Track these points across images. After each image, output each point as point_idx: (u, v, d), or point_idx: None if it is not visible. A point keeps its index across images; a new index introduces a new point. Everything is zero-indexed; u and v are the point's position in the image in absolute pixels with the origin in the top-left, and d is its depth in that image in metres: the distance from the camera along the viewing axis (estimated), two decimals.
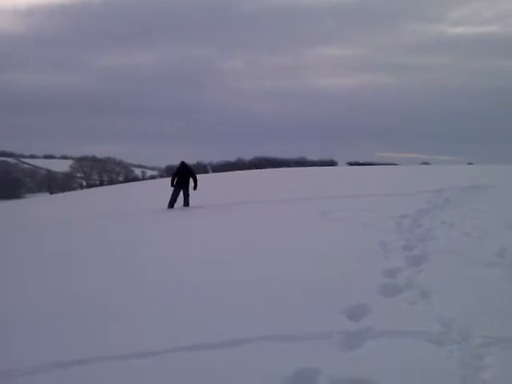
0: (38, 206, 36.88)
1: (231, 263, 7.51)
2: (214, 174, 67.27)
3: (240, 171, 53.20)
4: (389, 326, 4.49)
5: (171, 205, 15.91)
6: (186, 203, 16.08)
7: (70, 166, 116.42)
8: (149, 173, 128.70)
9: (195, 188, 16.02)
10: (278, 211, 14.02)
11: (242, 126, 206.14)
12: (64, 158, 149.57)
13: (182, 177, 15.94)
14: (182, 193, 16.01)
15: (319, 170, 42.46)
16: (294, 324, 4.69)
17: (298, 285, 5.98)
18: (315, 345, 4.22)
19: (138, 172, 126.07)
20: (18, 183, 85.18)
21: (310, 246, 8.37)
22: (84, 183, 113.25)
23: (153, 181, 67.81)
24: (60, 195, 66.70)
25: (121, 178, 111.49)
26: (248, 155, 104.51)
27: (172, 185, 16.06)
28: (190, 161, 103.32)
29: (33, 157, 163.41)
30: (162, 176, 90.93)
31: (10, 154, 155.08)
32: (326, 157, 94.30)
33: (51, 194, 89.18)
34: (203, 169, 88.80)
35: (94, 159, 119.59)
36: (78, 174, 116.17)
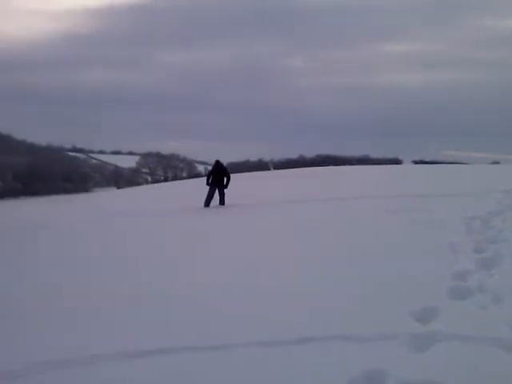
0: (105, 199, 38.48)
1: (305, 260, 7.60)
2: (276, 171, 67.48)
3: (301, 168, 52.95)
4: (458, 330, 4.34)
5: (207, 203, 16.19)
6: (222, 202, 16.29)
7: (136, 162, 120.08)
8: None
9: (226, 187, 16.23)
10: (339, 209, 13.94)
11: (303, 123, 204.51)
12: (130, 153, 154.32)
13: (218, 176, 16.09)
14: (217, 191, 16.29)
15: (383, 169, 41.70)
16: (362, 324, 4.67)
17: (367, 285, 5.96)
18: (383, 346, 4.17)
19: (201, 168, 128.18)
20: (87, 178, 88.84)
21: (376, 246, 8.28)
22: (149, 179, 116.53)
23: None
24: (126, 190, 69.00)
25: (184, 174, 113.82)
26: (310, 153, 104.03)
27: (207, 183, 16.31)
28: (252, 158, 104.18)
29: (101, 152, 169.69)
30: None
31: (80, 150, 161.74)
32: (390, 155, 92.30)
33: (118, 188, 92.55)
34: (265, 166, 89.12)
35: (158, 155, 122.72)
36: (144, 170, 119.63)
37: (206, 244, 10.10)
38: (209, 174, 16.55)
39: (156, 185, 79.96)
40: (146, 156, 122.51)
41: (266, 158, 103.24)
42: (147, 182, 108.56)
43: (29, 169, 74.82)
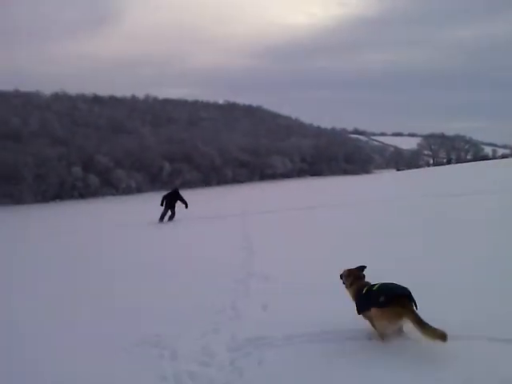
0: (384, 180, 38.80)
1: None
2: None
3: None
4: None
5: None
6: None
7: (418, 144, 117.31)
8: (500, 151, 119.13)
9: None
10: None
11: None
12: (411, 135, 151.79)
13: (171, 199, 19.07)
14: None
15: None
16: None
17: None
18: None
19: (488, 150, 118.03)
20: (368, 159, 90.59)
21: None
22: (431, 161, 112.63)
23: (504, 160, 62.39)
24: (405, 172, 68.03)
25: (469, 157, 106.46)
26: None
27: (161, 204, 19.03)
28: None
29: (382, 134, 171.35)
30: None
31: (362, 132, 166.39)
32: None
33: (398, 170, 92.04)
34: None
35: (442, 136, 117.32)
36: (425, 152, 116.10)
37: None
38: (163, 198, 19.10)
39: (437, 167, 76.75)
40: (428, 137, 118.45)
41: None
42: (428, 165, 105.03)
43: (314, 151, 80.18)
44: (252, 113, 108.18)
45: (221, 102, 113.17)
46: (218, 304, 6.81)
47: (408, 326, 4.59)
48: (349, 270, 5.57)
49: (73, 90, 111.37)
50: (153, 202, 22.21)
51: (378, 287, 4.84)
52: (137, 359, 5.12)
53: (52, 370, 5.07)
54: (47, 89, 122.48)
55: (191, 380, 4.58)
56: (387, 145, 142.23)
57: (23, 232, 21.79)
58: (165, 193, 19.94)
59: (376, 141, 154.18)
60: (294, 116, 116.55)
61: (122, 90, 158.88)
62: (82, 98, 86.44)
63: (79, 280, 9.60)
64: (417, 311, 4.47)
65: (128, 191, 55.59)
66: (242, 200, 31.42)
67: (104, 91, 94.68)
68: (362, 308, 5.05)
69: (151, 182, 58.99)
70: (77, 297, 8.17)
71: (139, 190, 56.77)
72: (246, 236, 13.53)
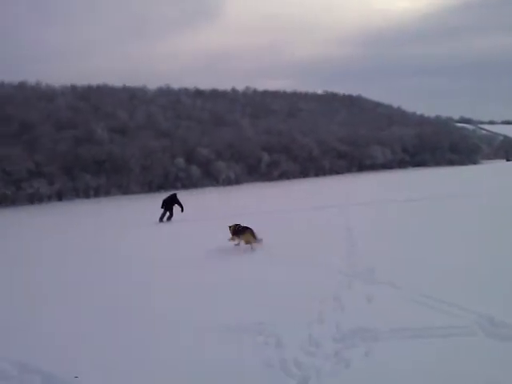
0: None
1: None
2: None
3: None
4: None
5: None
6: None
7: None
8: None
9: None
10: None
11: None
12: None
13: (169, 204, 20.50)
14: None
15: None
16: None
17: None
18: None
19: None
20: (475, 149, 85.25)
21: None
22: None
23: None
24: None
25: None
26: None
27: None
28: None
29: (491, 123, 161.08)
30: None
31: (468, 121, 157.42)
32: None
33: (508, 160, 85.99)
34: None
35: None
36: None
37: None
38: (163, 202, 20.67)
39: None
40: None
41: None
42: None
43: (417, 140, 77.02)
44: (351, 102, 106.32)
45: (320, 92, 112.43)
46: (321, 294, 6.79)
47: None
48: (235, 226, 11.45)
49: (176, 84, 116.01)
50: (254, 192, 22.53)
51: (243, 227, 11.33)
52: (242, 346, 5.23)
53: (184, 356, 5.25)
54: (152, 84, 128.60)
55: (297, 368, 4.60)
56: (496, 133, 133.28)
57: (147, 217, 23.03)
58: (165, 197, 21.36)
59: (484, 129, 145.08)
60: (395, 105, 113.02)
61: (223, 83, 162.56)
62: (185, 91, 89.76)
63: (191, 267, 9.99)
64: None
65: (227, 182, 56.97)
66: (342, 191, 31.04)
67: (206, 85, 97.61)
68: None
69: (249, 173, 60.00)
70: (196, 285, 8.49)
71: (238, 181, 57.97)
72: (348, 228, 13.31)
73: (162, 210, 20.49)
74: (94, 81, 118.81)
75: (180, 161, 54.13)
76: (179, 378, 4.70)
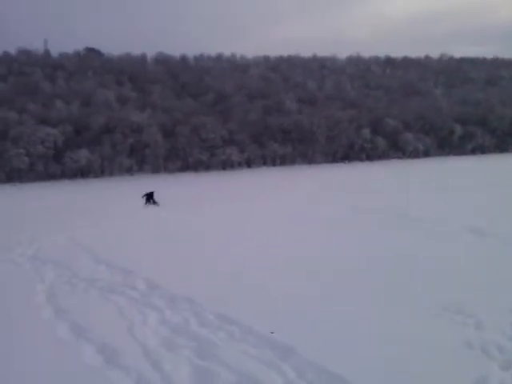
0: None
1: None
2: None
3: None
4: None
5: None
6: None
7: None
8: None
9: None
10: None
11: None
12: None
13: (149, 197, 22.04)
14: None
15: None
16: None
17: None
18: None
19: None
20: None
21: None
22: None
23: None
24: None
25: None
26: None
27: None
28: None
29: None
30: None
31: None
32: None
33: None
34: None
35: None
36: None
37: None
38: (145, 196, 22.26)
39: None
40: None
41: None
42: None
43: None
44: None
45: None
46: None
47: None
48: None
49: (367, 53, 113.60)
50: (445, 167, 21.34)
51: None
52: (440, 323, 5.13)
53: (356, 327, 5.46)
54: (342, 53, 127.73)
55: (499, 352, 4.43)
56: None
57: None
58: (145, 192, 22.25)
59: None
60: None
61: (416, 51, 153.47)
62: (376, 60, 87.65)
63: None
64: None
65: (415, 155, 54.54)
66: None
67: (397, 52, 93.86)
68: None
69: (439, 146, 56.59)
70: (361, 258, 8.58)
71: (426, 153, 55.16)
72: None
73: (144, 199, 22.06)
74: (285, 51, 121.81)
75: (366, 131, 53.23)
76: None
